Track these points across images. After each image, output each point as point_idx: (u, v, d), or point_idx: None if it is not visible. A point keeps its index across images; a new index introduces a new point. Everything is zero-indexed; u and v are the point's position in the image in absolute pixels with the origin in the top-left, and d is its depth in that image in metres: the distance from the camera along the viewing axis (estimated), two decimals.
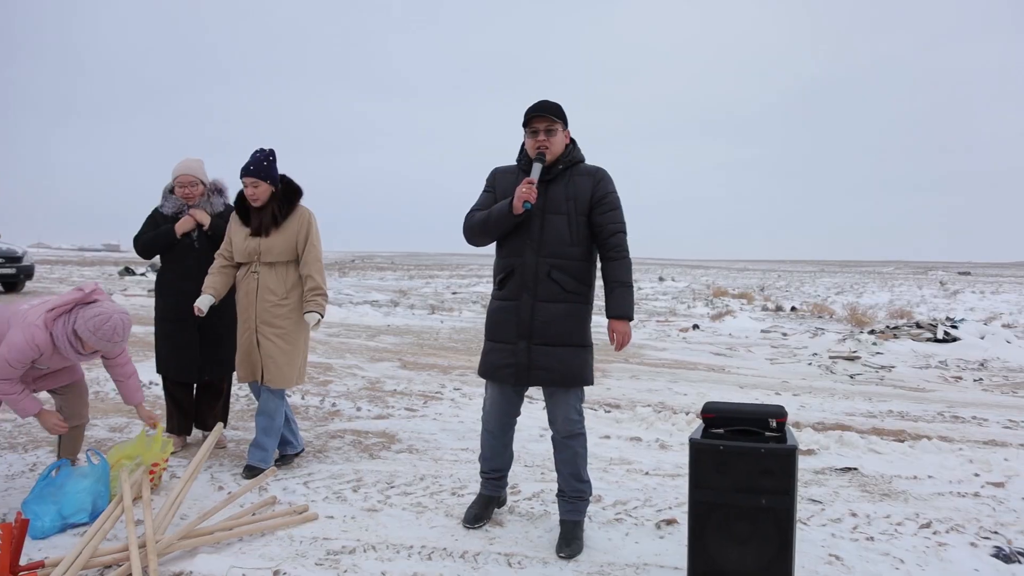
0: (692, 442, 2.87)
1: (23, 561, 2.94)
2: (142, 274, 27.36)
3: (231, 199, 4.65)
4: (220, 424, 4.16)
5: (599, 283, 3.46)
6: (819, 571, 3.13)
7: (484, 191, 3.56)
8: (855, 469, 4.60)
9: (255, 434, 4.28)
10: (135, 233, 4.65)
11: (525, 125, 3.41)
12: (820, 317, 18.68)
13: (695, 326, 14.19)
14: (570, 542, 3.33)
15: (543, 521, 3.65)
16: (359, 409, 5.97)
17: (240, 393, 6.44)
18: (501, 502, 3.76)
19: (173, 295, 4.53)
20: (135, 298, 16.58)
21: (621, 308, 3.31)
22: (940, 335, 12.23)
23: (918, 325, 13.31)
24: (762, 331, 13.92)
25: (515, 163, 3.52)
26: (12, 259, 15.92)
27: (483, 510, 3.61)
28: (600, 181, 3.40)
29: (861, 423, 6.02)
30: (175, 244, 4.58)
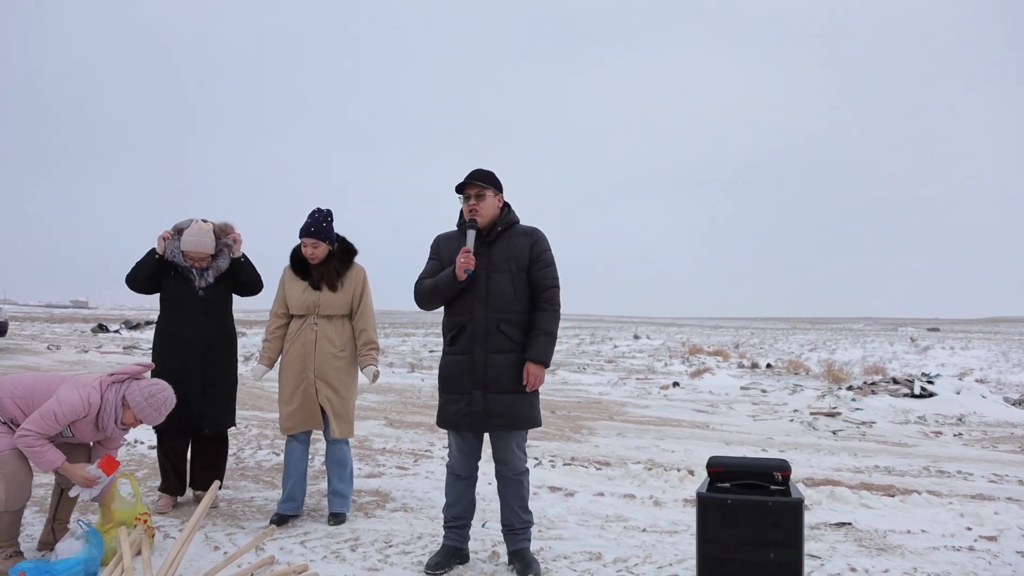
0: (700, 496, 2.90)
1: None
2: (115, 331, 26.97)
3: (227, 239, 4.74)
4: (217, 482, 4.11)
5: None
6: None
7: (430, 259, 3.84)
8: (849, 524, 4.63)
9: (330, 483, 4.48)
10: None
11: (458, 191, 3.71)
12: (796, 374, 18.86)
13: (675, 383, 14.27)
14: (530, 565, 3.65)
15: None
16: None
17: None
18: (464, 557, 3.82)
19: (175, 344, 4.50)
20: (111, 355, 16.32)
21: (540, 354, 3.62)
22: (917, 391, 12.42)
23: (895, 381, 13.51)
24: (741, 388, 14.02)
25: (456, 228, 3.81)
26: None
27: (445, 559, 3.72)
28: (536, 241, 3.73)
29: (850, 478, 6.06)
30: (157, 268, 4.56)
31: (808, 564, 3.88)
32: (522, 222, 3.84)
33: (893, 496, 5.29)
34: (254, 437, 7.09)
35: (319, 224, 4.41)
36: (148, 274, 4.56)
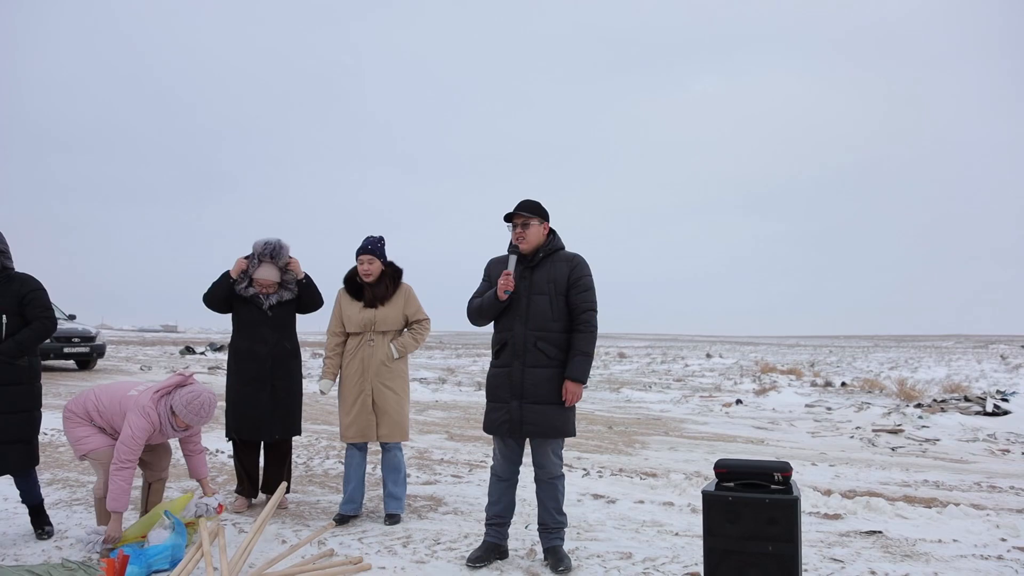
0: (704, 493, 3.20)
1: None
2: (201, 353, 28.43)
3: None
4: (284, 483, 4.59)
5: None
6: None
7: (483, 280, 4.27)
8: (880, 532, 4.78)
9: (386, 487, 4.92)
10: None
11: (507, 220, 4.11)
12: (870, 392, 18.48)
13: (738, 401, 14.27)
14: (561, 560, 3.99)
15: (575, 574, 3.95)
16: (408, 476, 6.33)
17: (297, 460, 6.88)
18: (503, 553, 4.17)
19: (248, 360, 5.03)
20: (197, 374, 17.35)
21: (577, 372, 3.96)
22: (990, 408, 12.14)
23: (966, 399, 13.21)
24: (806, 406, 13.93)
25: (506, 252, 4.18)
26: (87, 339, 16.98)
27: (485, 553, 4.09)
28: (575, 267, 4.08)
29: (893, 491, 6.15)
30: (231, 288, 5.08)
31: (829, 567, 4.11)
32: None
33: (931, 508, 5.38)
34: (323, 448, 7.63)
35: (375, 244, 4.95)
36: (223, 295, 5.11)
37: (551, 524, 4.11)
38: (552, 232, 4.19)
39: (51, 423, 8.87)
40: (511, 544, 4.35)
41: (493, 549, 4.13)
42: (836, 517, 5.11)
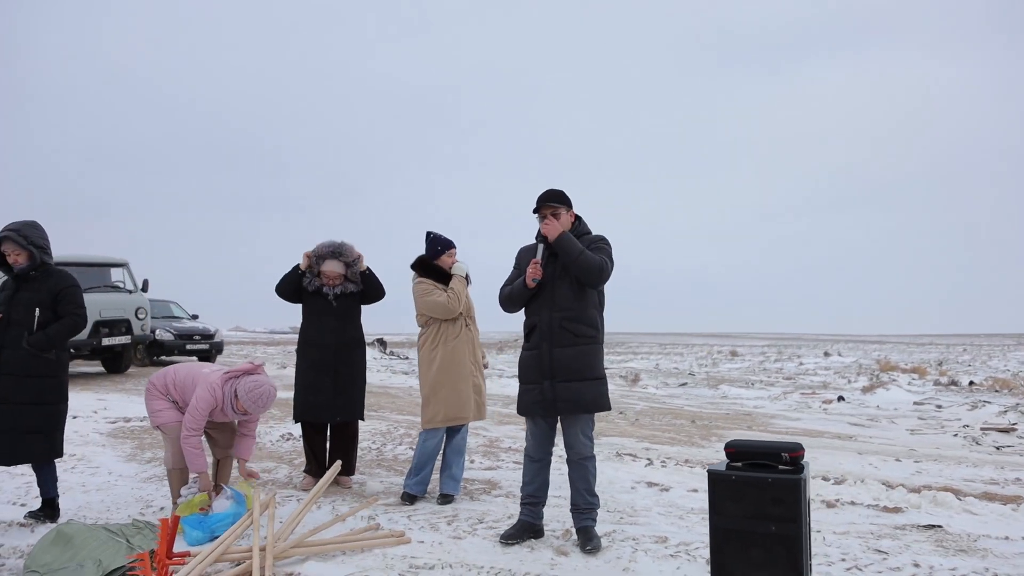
0: (709, 472, 3.22)
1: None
2: None
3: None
4: (339, 462, 4.90)
5: (608, 323, 4.33)
6: None
7: (513, 268, 4.40)
8: (939, 527, 4.58)
9: (447, 468, 5.17)
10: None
11: (535, 211, 4.21)
12: (998, 392, 17.24)
13: (840, 398, 13.69)
14: (591, 539, 4.10)
15: (604, 553, 4.04)
16: (472, 462, 6.55)
17: (372, 445, 7.24)
18: (538, 532, 4.29)
19: (314, 348, 5.40)
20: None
21: (573, 239, 4.06)
22: None
23: None
24: (914, 403, 13.21)
25: (535, 241, 4.28)
26: (206, 336, 18.42)
27: (519, 532, 4.23)
28: (594, 241, 4.19)
29: (974, 488, 5.83)
30: (300, 280, 5.42)
31: (871, 558, 4.01)
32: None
33: (1006, 505, 5.09)
34: (399, 435, 7.98)
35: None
36: (293, 288, 5.49)
37: (582, 505, 4.21)
38: (578, 217, 4.30)
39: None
40: (552, 525, 4.48)
41: (527, 528, 4.27)
42: (895, 510, 4.92)
